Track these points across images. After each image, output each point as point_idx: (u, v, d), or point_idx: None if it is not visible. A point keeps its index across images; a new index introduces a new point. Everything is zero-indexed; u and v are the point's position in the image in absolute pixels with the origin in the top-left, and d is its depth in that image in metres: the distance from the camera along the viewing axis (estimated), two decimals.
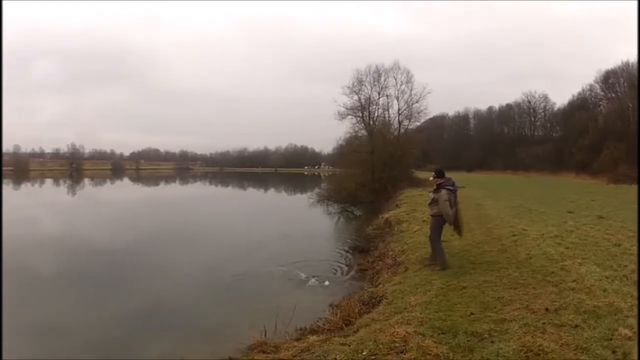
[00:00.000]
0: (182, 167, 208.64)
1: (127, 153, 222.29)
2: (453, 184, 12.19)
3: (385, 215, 26.92)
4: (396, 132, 54.42)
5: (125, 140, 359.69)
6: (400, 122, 54.65)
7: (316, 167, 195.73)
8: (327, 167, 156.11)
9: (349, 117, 53.64)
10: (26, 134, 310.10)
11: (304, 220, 35.22)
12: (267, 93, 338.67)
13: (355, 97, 53.59)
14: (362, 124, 54.01)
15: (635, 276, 9.26)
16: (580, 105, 76.55)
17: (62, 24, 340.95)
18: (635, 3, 66.66)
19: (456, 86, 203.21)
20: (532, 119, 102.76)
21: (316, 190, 59.79)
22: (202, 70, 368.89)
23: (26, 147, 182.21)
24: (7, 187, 72.87)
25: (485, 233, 16.47)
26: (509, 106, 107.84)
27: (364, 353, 6.52)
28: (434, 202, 12.10)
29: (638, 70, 62.50)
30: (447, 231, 15.13)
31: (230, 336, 9.96)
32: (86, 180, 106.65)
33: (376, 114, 54.93)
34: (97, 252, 21.46)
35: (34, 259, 19.66)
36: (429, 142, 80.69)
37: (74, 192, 71.75)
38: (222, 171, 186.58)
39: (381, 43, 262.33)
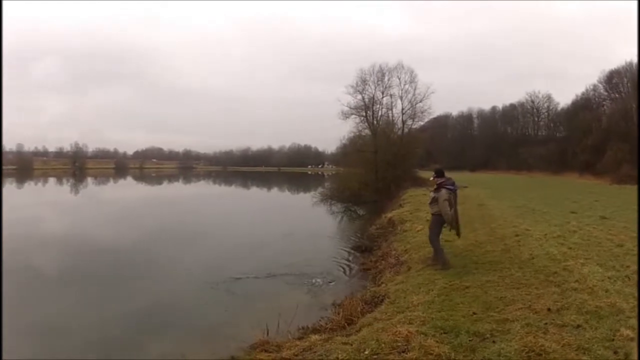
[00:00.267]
0: (186, 166, 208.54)
1: (130, 152, 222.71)
2: (453, 184, 12.22)
3: (389, 215, 26.91)
4: (400, 132, 54.37)
5: (128, 140, 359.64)
6: (404, 122, 54.60)
7: (319, 166, 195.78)
8: (330, 166, 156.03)
9: (353, 116, 53.78)
10: (29, 133, 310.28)
11: (307, 220, 35.24)
12: (270, 92, 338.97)
13: (359, 97, 53.65)
14: (366, 124, 54.15)
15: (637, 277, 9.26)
16: (584, 106, 76.45)
17: (64, 24, 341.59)
18: (635, 3, 66.58)
19: (458, 86, 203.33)
20: (536, 119, 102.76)
21: (319, 189, 59.77)
22: (204, 70, 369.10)
23: (29, 146, 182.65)
24: (11, 186, 73.27)
25: (488, 233, 16.46)
26: (512, 106, 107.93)
27: (366, 352, 6.54)
28: (434, 201, 12.19)
29: (638, 70, 62.48)
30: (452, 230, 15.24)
31: (233, 335, 9.99)
32: (89, 179, 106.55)
33: (380, 114, 54.97)
34: (99, 251, 21.49)
35: (36, 258, 19.66)
36: (433, 141, 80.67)
37: (77, 191, 71.87)
38: (226, 170, 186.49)
39: (382, 43, 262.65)
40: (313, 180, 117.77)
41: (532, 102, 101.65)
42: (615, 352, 5.96)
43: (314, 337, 8.04)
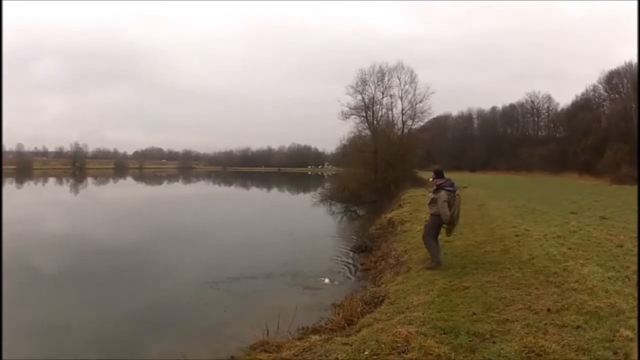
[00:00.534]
0: (185, 166, 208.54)
1: (130, 152, 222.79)
2: (452, 185, 12.23)
3: (389, 215, 26.95)
4: (400, 132, 54.55)
5: (128, 140, 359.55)
6: (403, 122, 54.80)
7: (319, 166, 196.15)
8: (330, 166, 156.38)
9: (353, 116, 54.23)
10: (29, 132, 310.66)
11: (307, 220, 35.25)
12: (270, 92, 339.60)
13: (359, 97, 54.00)
14: (366, 124, 54.51)
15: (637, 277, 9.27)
16: (584, 106, 76.54)
17: (64, 23, 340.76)
18: (635, 3, 66.58)
19: (458, 86, 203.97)
20: (536, 119, 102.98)
21: (319, 189, 59.85)
22: (204, 70, 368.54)
23: (29, 146, 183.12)
24: (10, 186, 73.24)
25: (488, 233, 16.48)
26: (512, 106, 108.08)
27: (366, 353, 6.53)
28: (433, 202, 12.23)
29: (638, 70, 62.51)
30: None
31: (233, 335, 9.98)
32: (89, 179, 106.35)
33: (380, 114, 55.25)
34: (99, 250, 21.45)
35: (36, 258, 19.70)
36: (433, 142, 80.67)
37: (77, 191, 71.82)
38: (225, 170, 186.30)
39: (382, 43, 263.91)
40: (313, 180, 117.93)
41: (532, 102, 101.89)
42: (615, 353, 5.96)
43: (314, 338, 8.04)
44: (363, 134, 55.25)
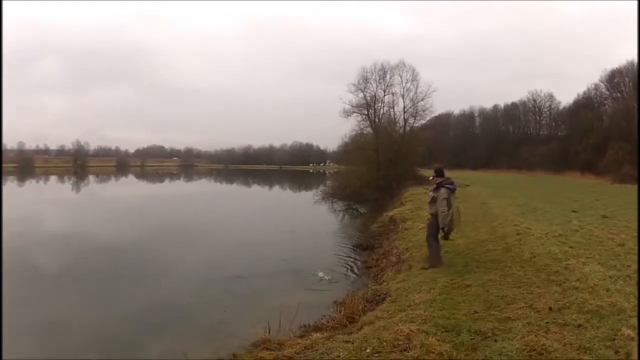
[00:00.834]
0: (187, 164, 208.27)
1: (132, 150, 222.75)
2: (452, 183, 12.22)
3: (390, 213, 27.00)
4: (401, 130, 54.55)
5: (130, 138, 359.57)
6: (405, 120, 54.78)
7: (321, 164, 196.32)
8: (332, 164, 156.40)
9: (355, 114, 54.29)
10: (31, 131, 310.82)
11: (309, 218, 35.30)
12: (271, 91, 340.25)
13: (361, 95, 54.01)
14: (368, 122, 54.55)
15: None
16: (586, 105, 76.12)
17: (65, 23, 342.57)
18: (635, 3, 66.52)
19: (460, 85, 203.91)
20: (538, 117, 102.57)
21: (321, 187, 59.87)
22: (205, 69, 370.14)
23: (31, 144, 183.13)
24: (12, 184, 73.22)
25: (489, 231, 16.49)
26: (514, 105, 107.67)
27: (368, 351, 6.54)
28: (433, 200, 12.19)
29: (638, 70, 62.42)
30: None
31: (234, 333, 9.97)
32: (91, 177, 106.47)
33: (382, 112, 55.31)
34: (100, 249, 21.53)
35: (37, 257, 19.72)
36: (435, 140, 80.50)
37: (79, 189, 71.89)
38: (227, 168, 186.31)
39: (383, 42, 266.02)
40: (315, 178, 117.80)
41: (534, 100, 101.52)
42: (617, 352, 5.97)
43: (316, 335, 8.05)
44: (365, 132, 55.37)
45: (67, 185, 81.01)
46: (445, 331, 6.98)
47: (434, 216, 12.22)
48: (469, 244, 14.31)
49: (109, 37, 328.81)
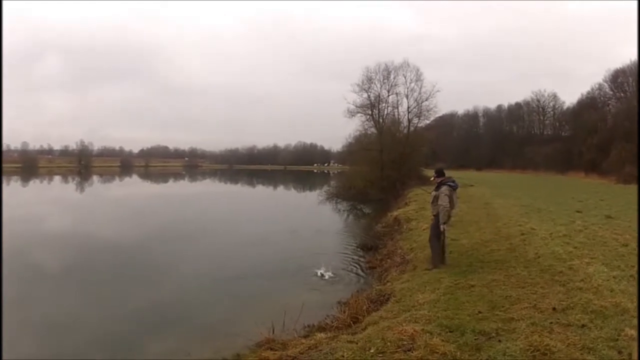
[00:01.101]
0: (191, 164, 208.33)
1: (136, 150, 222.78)
2: (454, 181, 12.25)
3: (394, 213, 27.01)
4: (405, 130, 54.31)
5: (134, 138, 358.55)
6: (409, 120, 54.58)
7: (325, 164, 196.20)
8: (336, 164, 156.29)
9: (359, 114, 54.14)
10: (34, 131, 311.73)
11: (313, 218, 35.24)
12: (275, 91, 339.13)
13: (365, 95, 53.86)
14: (372, 122, 54.34)
15: None
16: (589, 105, 75.97)
17: (68, 22, 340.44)
18: (635, 3, 66.40)
19: (464, 84, 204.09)
20: (542, 117, 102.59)
21: (325, 187, 59.88)
22: (209, 69, 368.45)
23: (34, 144, 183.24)
24: (16, 184, 73.38)
25: (494, 232, 16.49)
26: (518, 105, 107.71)
27: (372, 351, 6.55)
28: (435, 200, 12.20)
29: (638, 70, 62.33)
30: (457, 229, 15.26)
31: (238, 333, 10.03)
32: (95, 177, 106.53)
33: (386, 112, 55.11)
34: (105, 249, 21.61)
35: (41, 256, 19.80)
36: (438, 140, 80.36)
37: (82, 189, 71.91)
38: (231, 168, 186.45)
39: (388, 41, 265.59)
40: (319, 178, 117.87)
41: (538, 100, 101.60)
42: (620, 352, 5.99)
43: (320, 336, 8.07)
44: (369, 132, 55.30)
45: (71, 185, 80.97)
46: (450, 331, 7.00)
47: (437, 217, 12.24)
48: (474, 244, 14.33)
49: (112, 35, 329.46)
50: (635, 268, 10.01)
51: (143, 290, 14.76)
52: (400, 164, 49.51)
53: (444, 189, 11.94)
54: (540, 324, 7.01)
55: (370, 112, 53.98)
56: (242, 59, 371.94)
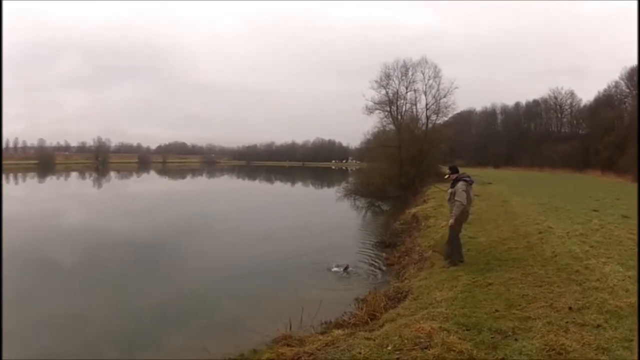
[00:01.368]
0: (209, 160, 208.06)
1: (153, 147, 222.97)
2: (469, 177, 12.30)
3: (413, 210, 26.98)
4: (424, 127, 54.19)
5: (152, 134, 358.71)
6: (428, 117, 54.41)
7: (343, 161, 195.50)
8: (354, 161, 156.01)
9: (377, 111, 54.25)
10: (51, 128, 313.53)
11: (331, 214, 35.23)
12: (294, 87, 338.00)
13: (383, 92, 53.92)
14: (390, 119, 54.44)
15: None
16: (606, 102, 75.23)
17: (85, 21, 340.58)
18: (635, 3, 65.93)
19: (482, 81, 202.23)
20: (559, 115, 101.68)
21: (343, 184, 59.85)
22: (228, 66, 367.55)
23: (52, 141, 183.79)
24: (32, 181, 74.17)
25: (511, 230, 16.49)
26: (535, 102, 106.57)
27: (389, 348, 6.62)
28: (452, 196, 12.22)
29: (638, 70, 61.87)
30: (475, 227, 15.29)
31: (255, 329, 10.12)
32: (112, 173, 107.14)
33: (404, 109, 55.07)
34: (121, 244, 21.91)
35: (58, 250, 20.07)
36: (457, 137, 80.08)
37: (100, 185, 72.53)
38: (249, 165, 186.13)
39: (406, 37, 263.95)
40: (337, 175, 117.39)
41: (555, 98, 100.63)
42: (634, 353, 6.03)
43: (337, 332, 8.12)
44: (387, 129, 55.25)
45: (89, 181, 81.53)
46: (467, 329, 7.07)
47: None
48: (491, 242, 14.37)
49: (128, 34, 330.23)
50: None
51: (159, 285, 14.96)
52: (418, 161, 49.50)
53: (460, 184, 11.98)
54: (557, 323, 7.06)
55: (388, 109, 54.02)
56: (259, 56, 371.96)
